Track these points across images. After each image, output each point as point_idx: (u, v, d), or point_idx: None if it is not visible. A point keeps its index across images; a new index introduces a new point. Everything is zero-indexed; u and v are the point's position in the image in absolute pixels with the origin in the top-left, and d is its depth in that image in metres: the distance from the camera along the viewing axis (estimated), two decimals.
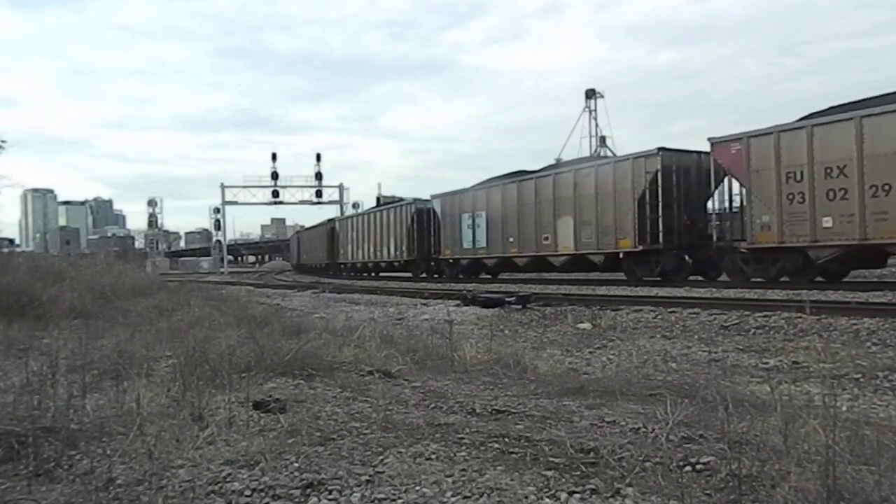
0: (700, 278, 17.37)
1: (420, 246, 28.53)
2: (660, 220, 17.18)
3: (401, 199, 34.03)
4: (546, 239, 20.78)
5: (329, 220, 43.78)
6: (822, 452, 2.30)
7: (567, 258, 20.08)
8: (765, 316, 8.62)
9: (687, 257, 17.56)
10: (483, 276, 24.70)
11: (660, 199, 17.14)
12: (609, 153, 45.18)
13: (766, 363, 6.11)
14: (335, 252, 39.34)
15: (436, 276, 27.31)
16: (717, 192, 16.93)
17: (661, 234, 17.20)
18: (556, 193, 20.41)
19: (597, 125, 52.62)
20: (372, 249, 33.42)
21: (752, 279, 14.92)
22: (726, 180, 16.32)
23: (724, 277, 16.50)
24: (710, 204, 17.59)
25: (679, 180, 17.33)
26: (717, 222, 16.93)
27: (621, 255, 18.44)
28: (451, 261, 26.06)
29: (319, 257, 43.69)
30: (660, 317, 9.55)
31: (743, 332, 8.07)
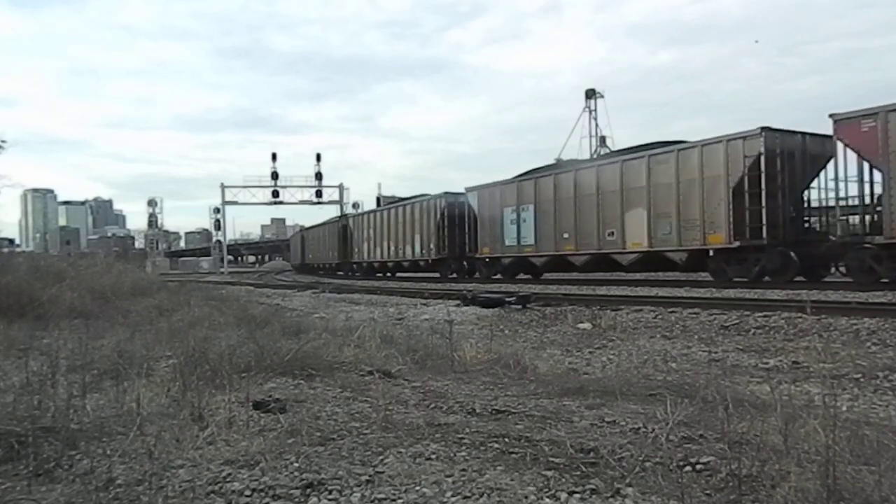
0: (706, 277, 16.58)
1: (451, 243, 26.10)
2: (762, 211, 14.84)
3: (410, 197, 31.44)
4: (611, 234, 18.33)
5: (341, 217, 41.53)
6: (822, 452, 2.30)
7: (638, 256, 17.71)
8: (765, 316, 8.62)
9: (793, 254, 14.99)
10: (521, 276, 22.49)
11: (763, 186, 14.79)
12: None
13: (766, 363, 6.10)
14: (348, 251, 36.97)
15: (469, 276, 24.93)
16: (820, 178, 15.21)
17: (764, 228, 14.84)
18: (623, 183, 17.87)
19: (597, 125, 52.67)
20: (393, 248, 30.89)
21: (883, 279, 12.87)
22: (846, 164, 13.72)
23: (832, 277, 14.86)
24: (812, 193, 15.85)
25: (783, 165, 15.03)
26: (838, 215, 14.62)
27: (711, 253, 16.04)
28: (487, 260, 23.72)
29: (329, 256, 41.36)
30: (660, 317, 9.54)
31: (743, 332, 8.07)
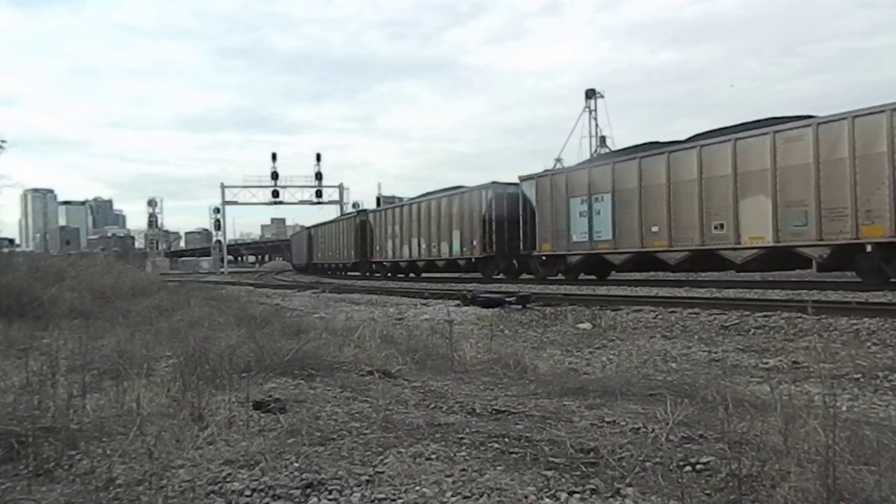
0: (706, 277, 16.26)
1: (500, 240, 22.67)
2: None
3: (443, 190, 27.93)
4: (719, 227, 15.30)
5: (360, 212, 37.89)
6: (822, 452, 2.30)
7: (758, 253, 14.70)
8: (765, 316, 8.62)
9: None
10: (585, 276, 19.72)
11: None
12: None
13: (766, 363, 6.10)
14: (368, 249, 33.56)
15: (523, 276, 22.17)
16: None
17: None
18: (737, 166, 14.87)
19: (597, 125, 52.55)
20: (424, 245, 27.46)
21: None
22: None
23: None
24: None
25: None
26: None
27: (869, 248, 12.88)
28: (544, 258, 20.61)
29: (343, 256, 37.85)
30: (660, 317, 9.54)
31: (743, 332, 8.07)
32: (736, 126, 15.97)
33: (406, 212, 29.77)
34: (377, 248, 32.70)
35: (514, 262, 22.76)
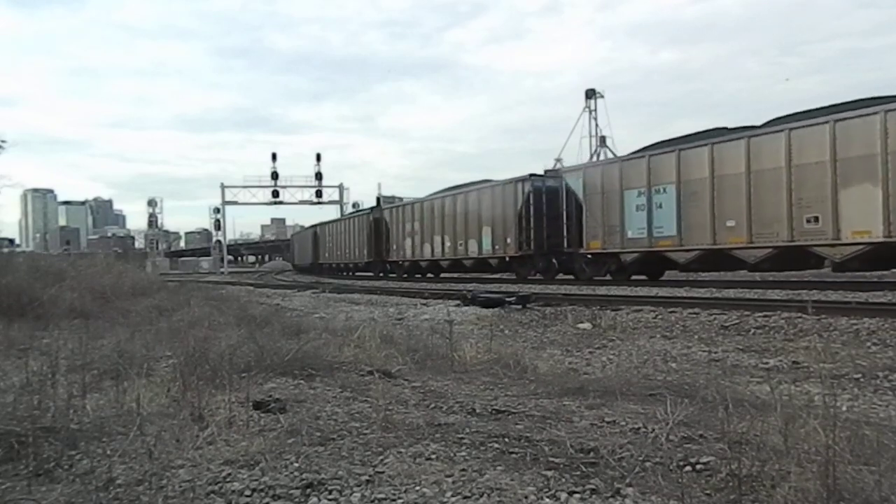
0: (706, 277, 15.80)
1: (538, 237, 20.94)
2: None
3: (470, 183, 26.01)
4: (813, 220, 13.54)
5: (374, 209, 35.90)
6: (822, 452, 2.30)
7: (862, 250, 12.92)
8: (765, 316, 8.62)
9: None
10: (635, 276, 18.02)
11: None
12: (609, 154, 45.02)
13: (766, 363, 6.10)
14: (383, 248, 31.82)
15: (564, 276, 20.61)
16: None
17: None
18: (835, 151, 13.05)
19: (597, 125, 52.49)
20: (449, 244, 25.59)
21: None
22: None
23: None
24: None
25: None
26: None
27: None
28: (590, 257, 19.07)
29: (355, 255, 36.05)
30: (660, 317, 9.54)
31: (743, 332, 8.06)
32: (805, 112, 14.52)
33: (427, 207, 27.77)
34: (394, 246, 30.75)
35: (554, 261, 21.17)
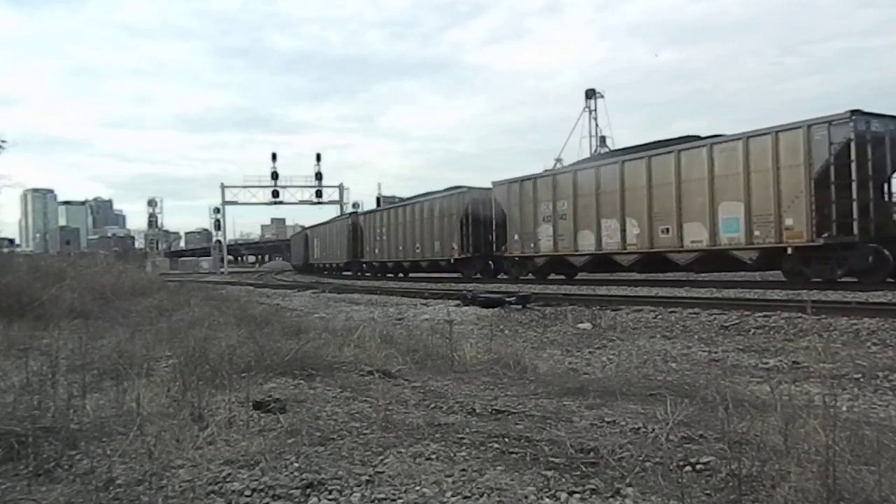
0: (704, 278, 16.04)
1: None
2: None
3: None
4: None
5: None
6: (822, 452, 2.30)
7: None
8: (765, 316, 8.62)
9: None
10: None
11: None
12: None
13: (766, 363, 6.10)
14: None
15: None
16: None
17: None
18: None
19: (597, 125, 52.59)
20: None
21: None
22: None
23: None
24: None
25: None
26: None
27: None
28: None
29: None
30: (660, 317, 9.54)
31: (743, 332, 8.07)
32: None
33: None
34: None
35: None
